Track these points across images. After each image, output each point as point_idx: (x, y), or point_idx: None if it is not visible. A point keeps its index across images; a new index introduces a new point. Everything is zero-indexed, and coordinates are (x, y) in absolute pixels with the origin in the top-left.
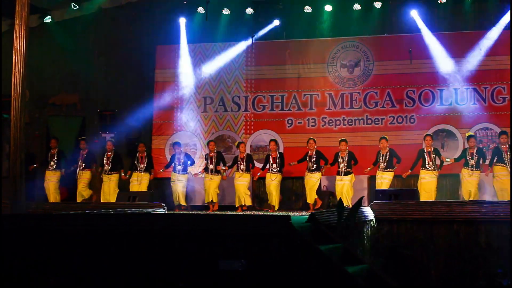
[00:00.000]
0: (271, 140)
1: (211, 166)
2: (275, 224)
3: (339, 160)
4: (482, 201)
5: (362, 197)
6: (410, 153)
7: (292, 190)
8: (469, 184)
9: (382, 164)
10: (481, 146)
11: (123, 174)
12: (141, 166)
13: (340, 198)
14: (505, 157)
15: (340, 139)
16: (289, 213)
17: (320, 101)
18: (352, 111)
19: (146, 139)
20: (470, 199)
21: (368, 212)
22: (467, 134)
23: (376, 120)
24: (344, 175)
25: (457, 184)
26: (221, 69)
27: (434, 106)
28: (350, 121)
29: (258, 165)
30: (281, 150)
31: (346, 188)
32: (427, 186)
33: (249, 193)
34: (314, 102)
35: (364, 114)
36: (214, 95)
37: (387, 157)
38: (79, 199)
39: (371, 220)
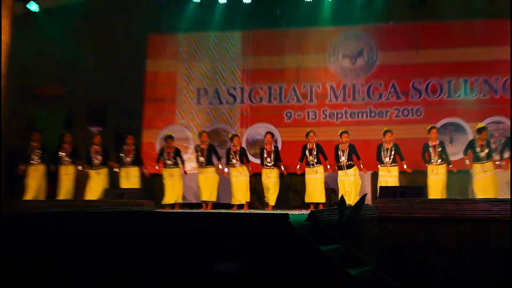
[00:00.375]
0: (267, 132)
1: (201, 159)
2: (273, 223)
3: (339, 153)
4: (494, 199)
5: (365, 194)
6: (416, 148)
7: (291, 187)
8: (485, 181)
9: (387, 159)
10: (492, 141)
11: (113, 167)
12: (128, 159)
13: (342, 195)
14: None
15: (341, 131)
16: (288, 211)
17: (320, 93)
18: (355, 103)
19: (136, 133)
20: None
21: (372, 211)
22: (478, 126)
23: (380, 113)
24: (347, 168)
25: (468, 181)
26: (216, 59)
27: (442, 98)
28: (352, 114)
29: (254, 160)
30: (279, 144)
31: (351, 183)
32: (435, 182)
33: (246, 189)
34: (314, 94)
35: (368, 107)
36: (208, 87)
37: (392, 151)
38: (63, 196)
39: (374, 219)
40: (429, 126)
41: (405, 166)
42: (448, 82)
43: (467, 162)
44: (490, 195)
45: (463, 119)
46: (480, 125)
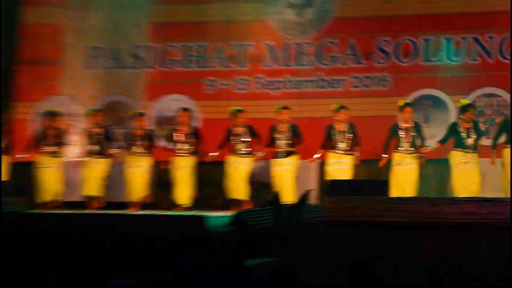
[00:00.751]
0: (182, 109)
1: (95, 147)
2: (182, 228)
3: (276, 135)
4: (482, 199)
5: (309, 191)
6: (380, 129)
7: (209, 180)
8: (467, 175)
9: (341, 144)
10: (483, 120)
11: None
12: None
13: (278, 192)
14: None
15: (279, 106)
16: (205, 213)
17: (255, 54)
18: (301, 69)
19: (4, 107)
20: (468, 196)
21: (318, 213)
22: (462, 103)
23: (334, 82)
24: (285, 157)
25: (447, 173)
26: (117, 8)
27: (416, 62)
28: (297, 83)
29: (164, 144)
30: (198, 123)
31: (288, 176)
32: (404, 176)
33: (148, 183)
34: (246, 56)
35: (317, 74)
36: (104, 45)
37: (347, 135)
38: None
39: (322, 223)
40: (403, 102)
41: (357, 154)
42: (426, 40)
43: (432, 147)
44: (473, 193)
45: (445, 91)
46: (464, 101)
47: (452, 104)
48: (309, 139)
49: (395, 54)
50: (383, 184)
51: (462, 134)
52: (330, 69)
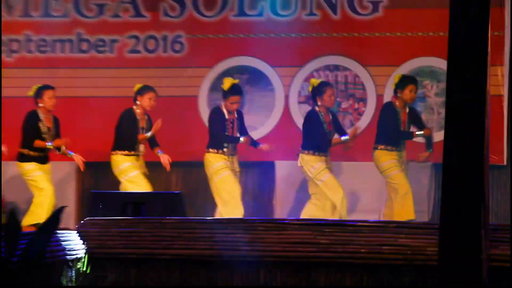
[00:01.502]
0: None
1: None
2: None
3: (40, 125)
4: (323, 221)
5: (61, 208)
6: (178, 115)
7: None
8: (329, 184)
9: (144, 132)
10: None
11: None
12: None
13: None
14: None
15: (37, 86)
16: None
17: None
18: (50, 22)
19: None
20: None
21: (76, 242)
22: (313, 83)
23: (102, 44)
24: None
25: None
26: None
27: (225, 17)
28: (44, 44)
29: None
30: None
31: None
32: (223, 187)
33: None
34: None
35: (76, 31)
36: None
37: (147, 124)
38: None
39: (80, 258)
40: (229, 83)
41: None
42: None
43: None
44: (327, 211)
45: (266, 61)
46: (316, 81)
47: (279, 80)
48: (74, 134)
49: (194, 4)
50: (175, 198)
51: (325, 129)
52: (95, 24)
